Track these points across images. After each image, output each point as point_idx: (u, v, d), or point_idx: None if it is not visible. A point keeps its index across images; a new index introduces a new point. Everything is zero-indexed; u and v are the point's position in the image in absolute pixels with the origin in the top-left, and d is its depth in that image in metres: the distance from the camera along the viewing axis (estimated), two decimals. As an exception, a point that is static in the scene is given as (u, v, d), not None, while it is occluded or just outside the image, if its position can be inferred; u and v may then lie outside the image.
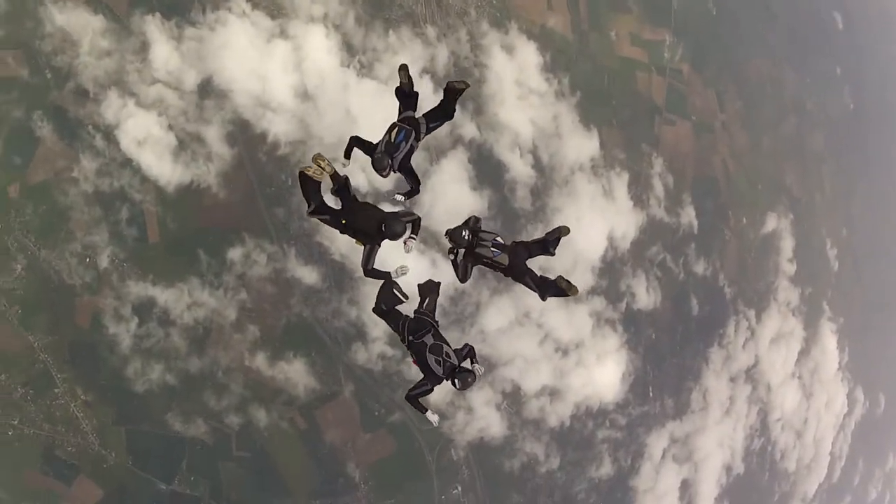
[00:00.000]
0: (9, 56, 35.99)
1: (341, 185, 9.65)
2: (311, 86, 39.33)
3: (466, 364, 9.90)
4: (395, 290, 9.95)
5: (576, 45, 45.56)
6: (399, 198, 10.25)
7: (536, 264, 11.10)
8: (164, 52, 37.87)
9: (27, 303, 35.33)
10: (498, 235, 9.99)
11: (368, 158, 10.24)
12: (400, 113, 10.66)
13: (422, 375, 9.62)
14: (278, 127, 38.65)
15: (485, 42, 42.40)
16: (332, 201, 10.41)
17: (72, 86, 36.64)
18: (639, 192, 47.44)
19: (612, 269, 46.66)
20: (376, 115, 39.52)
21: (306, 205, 9.70)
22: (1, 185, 35.34)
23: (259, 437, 39.12)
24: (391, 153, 10.02)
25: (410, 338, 9.63)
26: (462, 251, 10.04)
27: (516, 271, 9.78)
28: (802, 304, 60.73)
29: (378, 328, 40.91)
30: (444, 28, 41.69)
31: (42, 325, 35.59)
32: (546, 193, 43.62)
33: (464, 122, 41.25)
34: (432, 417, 10.01)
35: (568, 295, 9.66)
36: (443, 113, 10.88)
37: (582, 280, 45.31)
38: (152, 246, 37.66)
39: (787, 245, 59.02)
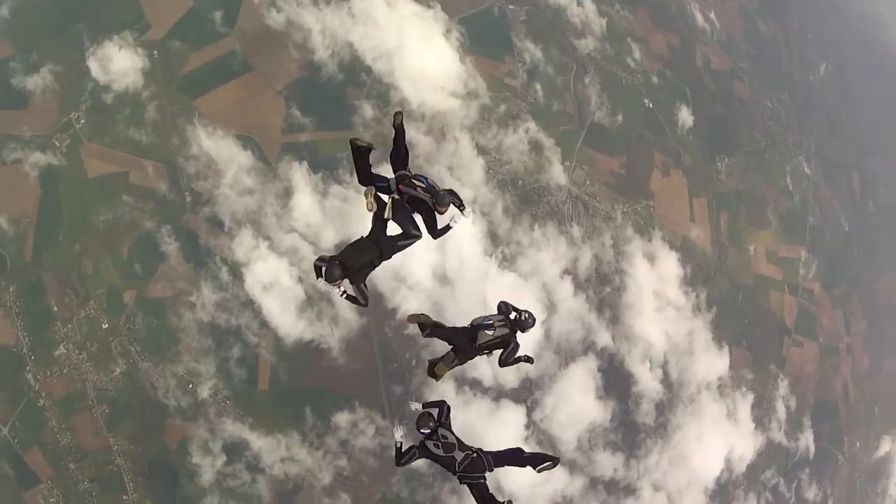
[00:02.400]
0: (150, 165, 37.59)
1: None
2: (451, 269, 38.89)
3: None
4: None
5: (715, 260, 45.03)
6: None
7: None
8: (306, 203, 38.19)
9: (117, 406, 35.31)
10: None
11: None
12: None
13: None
14: (410, 304, 37.73)
15: (628, 248, 41.94)
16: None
17: (208, 213, 37.54)
18: (761, 415, 45.65)
19: (724, 491, 44.22)
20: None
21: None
22: (118, 289, 36.02)
23: None
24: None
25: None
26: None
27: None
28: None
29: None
30: (590, 230, 41.46)
31: (126, 431, 35.32)
32: (671, 410, 42.08)
33: (599, 330, 40.31)
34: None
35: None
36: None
37: (693, 502, 43.04)
38: (260, 392, 37.18)
39: (898, 469, 55.67)
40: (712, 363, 43.24)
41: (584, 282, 40.64)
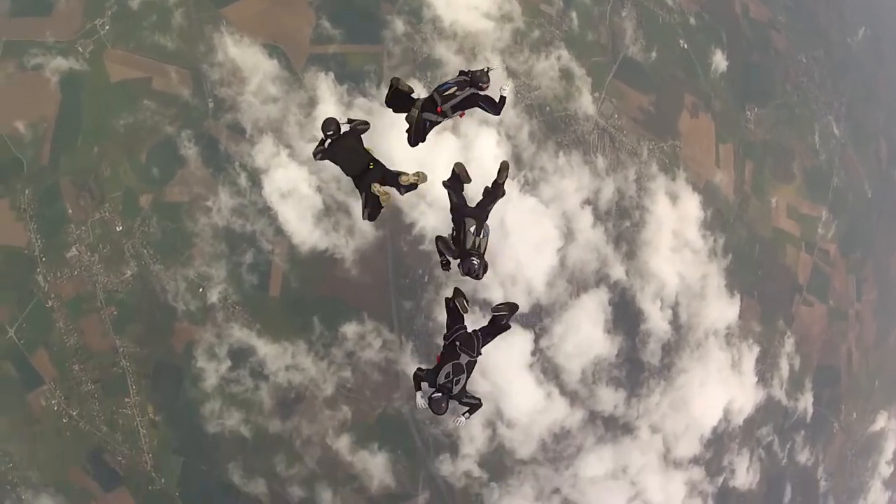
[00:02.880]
0: (172, 70, 37.12)
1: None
2: (471, 189, 38.63)
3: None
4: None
5: (735, 208, 44.52)
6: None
7: None
8: (330, 113, 37.52)
9: (125, 308, 35.28)
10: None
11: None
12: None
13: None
14: (428, 221, 37.53)
15: (651, 185, 41.47)
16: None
17: (230, 119, 37.19)
18: (764, 370, 45.55)
19: (719, 441, 44.32)
20: (531, 232, 38.91)
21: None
22: (134, 192, 35.87)
23: (317, 516, 37.32)
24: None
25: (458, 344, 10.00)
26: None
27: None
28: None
29: (472, 445, 39.13)
30: (615, 163, 40.98)
31: (134, 333, 35.33)
32: (676, 353, 41.99)
33: (614, 263, 40.02)
34: (420, 401, 10.13)
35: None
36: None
37: (688, 448, 43.15)
38: (270, 298, 37.14)
39: (890, 447, 55.62)
40: (722, 310, 43.11)
41: (604, 213, 40.33)
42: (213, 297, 35.87)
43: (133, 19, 37.30)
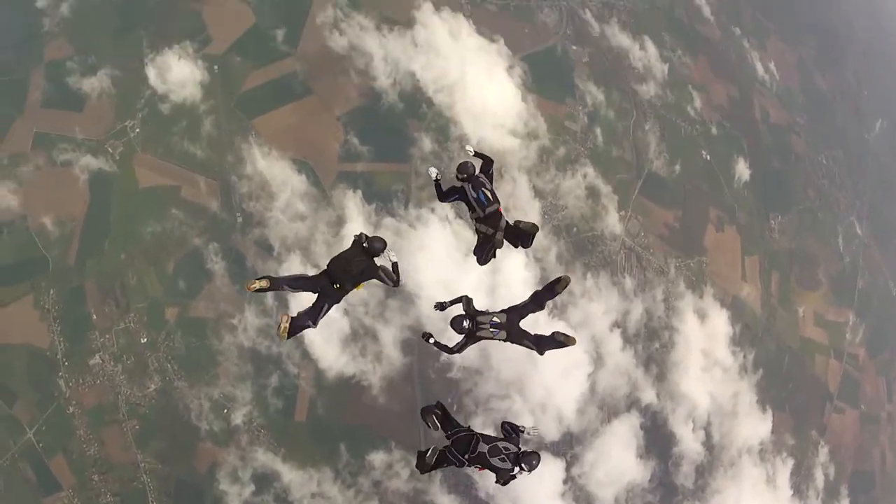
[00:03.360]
0: (201, 180, 37.09)
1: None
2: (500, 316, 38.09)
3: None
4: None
5: (763, 321, 44.05)
6: None
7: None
8: (357, 232, 37.47)
9: (148, 423, 34.54)
10: (494, 315, 10.23)
11: None
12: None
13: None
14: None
15: (679, 304, 41.09)
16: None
17: (257, 235, 36.90)
18: (799, 482, 44.56)
19: (756, 560, 43.05)
20: (560, 358, 38.30)
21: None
22: (160, 304, 35.37)
23: None
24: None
25: (467, 456, 9.70)
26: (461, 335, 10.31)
27: (514, 338, 10.23)
28: None
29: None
30: (642, 282, 40.64)
31: (155, 449, 34.52)
32: (710, 473, 41.11)
33: (644, 386, 39.47)
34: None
35: (566, 346, 10.14)
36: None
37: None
38: (296, 423, 36.26)
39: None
40: (755, 426, 42.47)
41: (633, 336, 39.87)
42: (238, 418, 35.11)
43: (163, 123, 37.66)
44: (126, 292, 35.19)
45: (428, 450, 10.03)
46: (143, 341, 34.95)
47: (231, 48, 39.56)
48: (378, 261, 10.27)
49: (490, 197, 10.59)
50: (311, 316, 10.14)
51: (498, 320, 10.17)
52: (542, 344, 10.29)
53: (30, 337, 34.32)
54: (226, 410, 35.18)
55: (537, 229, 10.59)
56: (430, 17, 43.21)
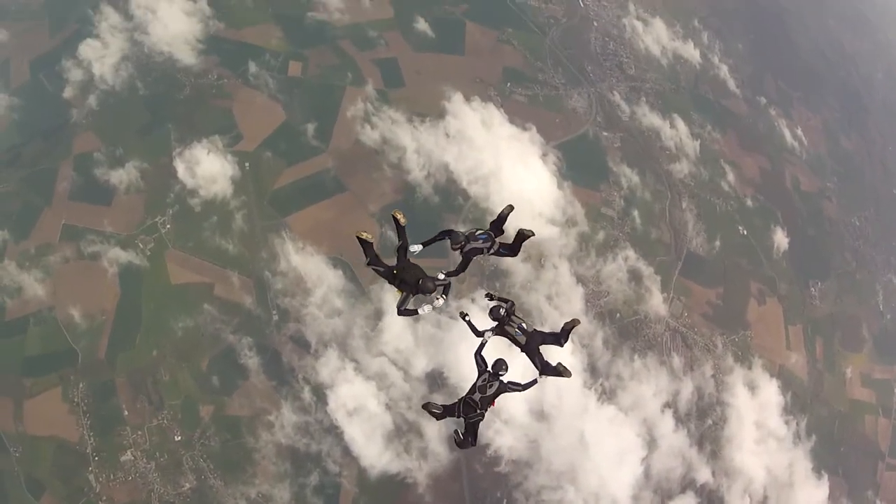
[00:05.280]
0: (234, 277, 37.28)
1: (400, 247, 11.37)
2: (548, 403, 37.70)
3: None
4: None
5: (811, 388, 44.59)
6: (441, 275, 11.50)
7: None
8: (397, 326, 36.92)
9: None
10: (524, 322, 11.36)
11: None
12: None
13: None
14: (505, 440, 36.62)
15: (728, 379, 41.82)
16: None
17: (293, 330, 36.83)
18: (859, 544, 44.39)
19: None
20: (612, 444, 39.08)
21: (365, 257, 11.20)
22: (194, 402, 35.22)
23: None
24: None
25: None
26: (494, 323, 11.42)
27: (529, 349, 11.18)
28: None
29: None
30: (690, 360, 41.56)
31: None
32: (771, 547, 41.21)
33: (699, 466, 39.96)
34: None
35: (562, 376, 10.89)
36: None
37: None
38: None
39: None
40: (811, 494, 42.49)
41: (685, 415, 40.49)
42: (278, 520, 34.25)
43: (194, 219, 38.19)
44: (159, 389, 35.34)
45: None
46: (177, 439, 34.91)
47: (262, 145, 40.59)
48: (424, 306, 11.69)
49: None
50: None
51: (525, 327, 11.34)
52: (545, 367, 11.16)
53: (58, 430, 34.36)
54: (264, 512, 34.37)
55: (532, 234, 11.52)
56: (461, 107, 44.50)
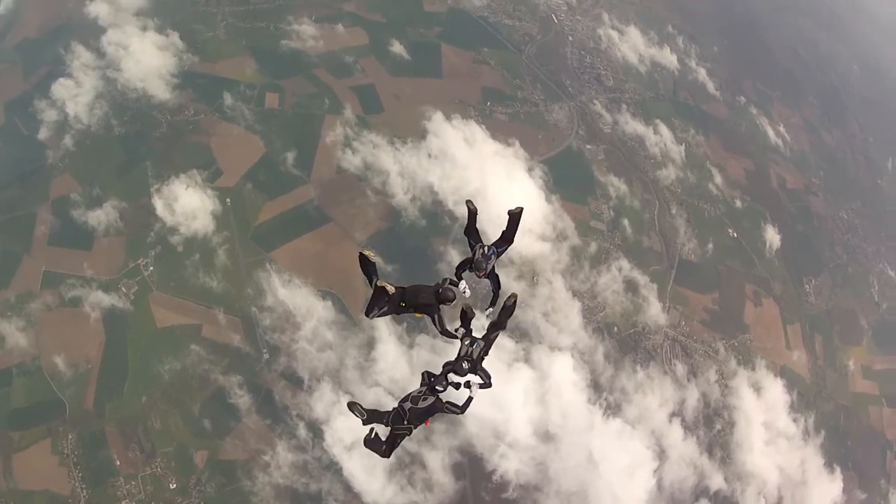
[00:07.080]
0: (221, 315, 36.31)
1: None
2: (554, 424, 37.08)
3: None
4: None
5: (814, 385, 44.35)
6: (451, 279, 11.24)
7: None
8: (391, 355, 36.49)
9: None
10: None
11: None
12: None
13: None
14: (510, 464, 35.82)
15: (733, 383, 41.53)
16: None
17: (284, 367, 35.95)
18: (879, 534, 43.96)
19: None
20: (621, 458, 38.58)
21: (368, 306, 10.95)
22: (187, 448, 34.23)
23: None
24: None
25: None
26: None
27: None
28: None
29: None
30: (693, 367, 41.27)
31: None
32: (788, 551, 40.72)
33: (711, 473, 39.53)
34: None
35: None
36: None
37: None
38: None
39: None
40: (826, 490, 42.09)
41: (692, 423, 40.12)
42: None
43: (176, 258, 37.44)
44: (150, 436, 34.31)
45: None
46: (172, 487, 33.87)
47: (243, 178, 39.96)
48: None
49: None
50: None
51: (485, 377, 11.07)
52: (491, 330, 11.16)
53: (50, 483, 33.33)
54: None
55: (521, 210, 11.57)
56: (442, 125, 44.25)
